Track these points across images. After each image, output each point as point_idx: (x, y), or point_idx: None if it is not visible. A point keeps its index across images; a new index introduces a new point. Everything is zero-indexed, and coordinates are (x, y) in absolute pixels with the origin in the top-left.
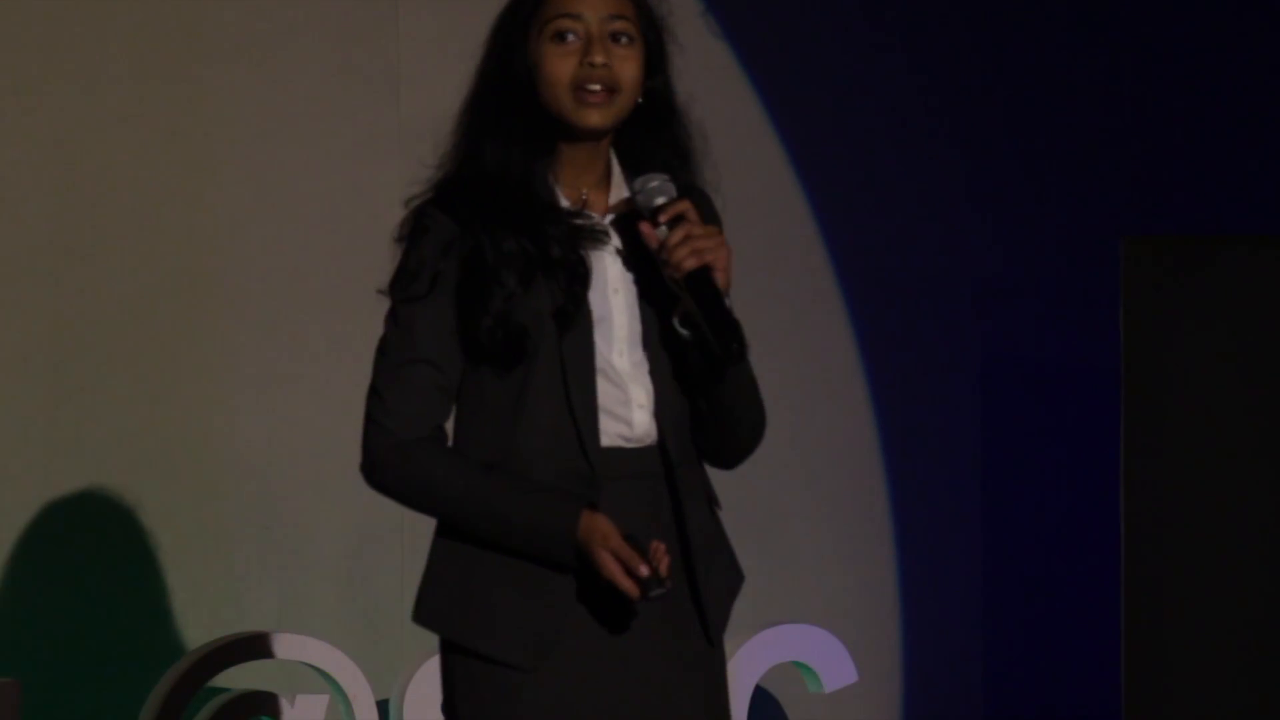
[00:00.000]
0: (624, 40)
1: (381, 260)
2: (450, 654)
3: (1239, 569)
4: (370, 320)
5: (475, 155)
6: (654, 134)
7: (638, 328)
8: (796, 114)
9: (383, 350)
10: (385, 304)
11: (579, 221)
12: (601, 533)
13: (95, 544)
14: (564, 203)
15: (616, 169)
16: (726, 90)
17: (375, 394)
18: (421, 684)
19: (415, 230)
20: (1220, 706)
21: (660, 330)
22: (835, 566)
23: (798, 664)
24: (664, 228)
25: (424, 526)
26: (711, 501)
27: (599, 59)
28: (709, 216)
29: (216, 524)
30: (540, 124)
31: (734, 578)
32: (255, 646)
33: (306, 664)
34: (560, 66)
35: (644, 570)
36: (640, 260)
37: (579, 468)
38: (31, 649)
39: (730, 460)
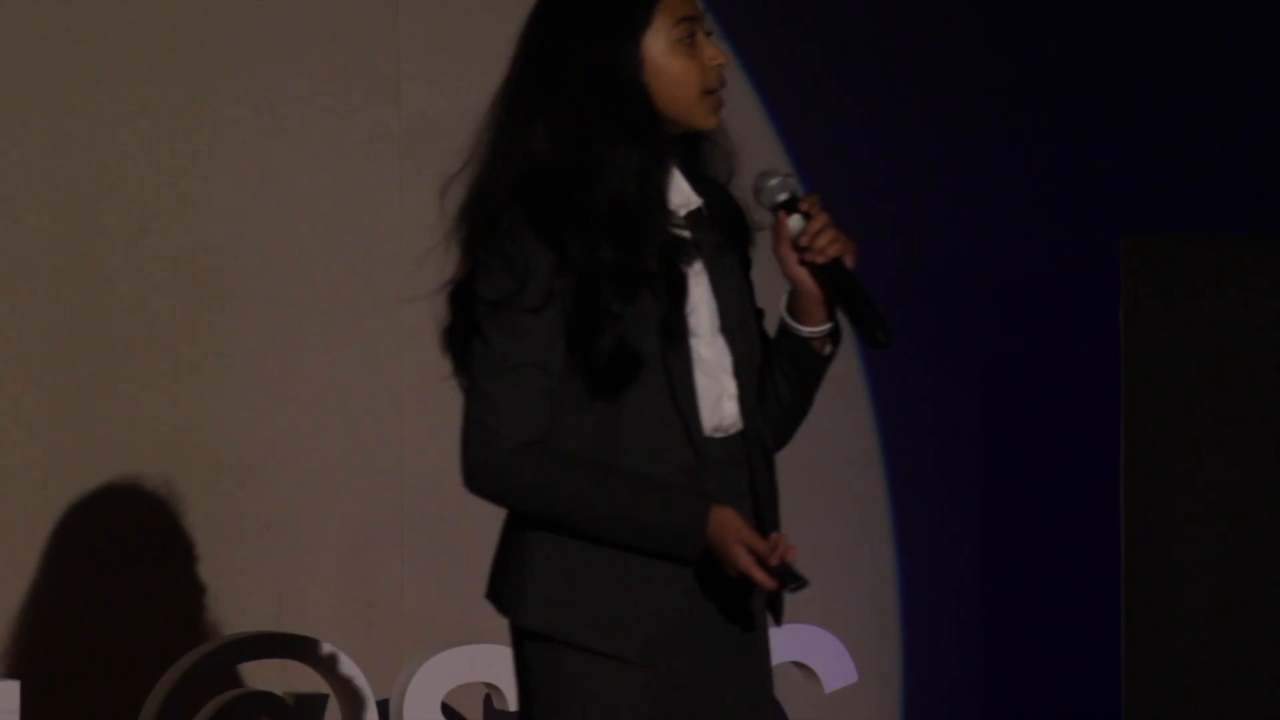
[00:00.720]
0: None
1: (381, 260)
2: (546, 646)
3: (1239, 569)
4: (370, 320)
5: (593, 162)
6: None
7: (716, 320)
8: (796, 114)
9: (487, 357)
10: (384, 301)
11: (674, 228)
12: (734, 527)
13: (95, 544)
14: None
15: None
16: (726, 90)
17: (484, 400)
18: (421, 684)
19: (509, 238)
20: (1220, 707)
21: (734, 318)
22: (835, 566)
23: (798, 664)
24: (798, 217)
25: (423, 528)
26: None
27: (723, 59)
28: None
29: (216, 524)
30: (659, 125)
31: None
32: (255, 646)
33: (306, 664)
34: (691, 70)
35: (776, 559)
36: (712, 251)
37: (687, 461)
38: (31, 649)
39: (782, 445)
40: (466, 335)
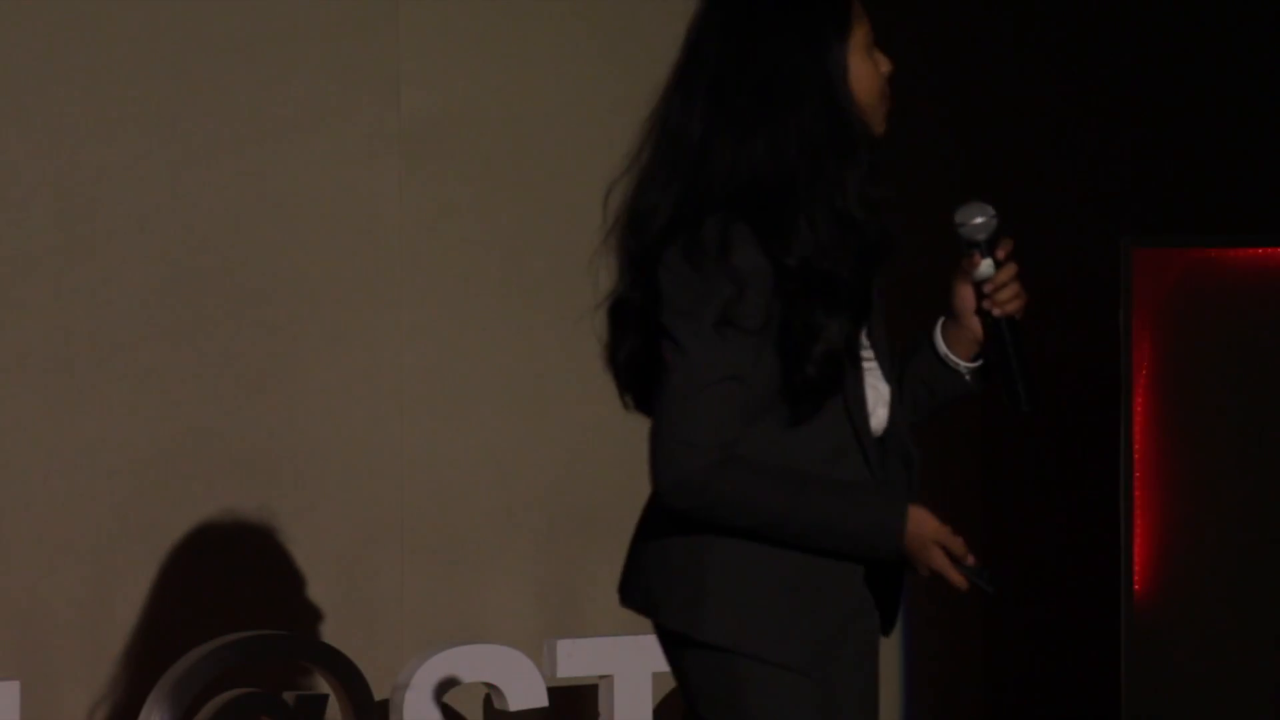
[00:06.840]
0: None
1: (381, 260)
2: (719, 656)
3: (1239, 570)
4: (370, 320)
5: (819, 177)
6: None
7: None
8: None
9: (688, 370)
10: (384, 301)
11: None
12: (931, 527)
13: (94, 544)
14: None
15: None
16: None
17: (686, 413)
18: (422, 684)
19: (720, 250)
20: (1220, 706)
21: (879, 327)
22: None
23: None
24: (990, 262)
25: (423, 528)
26: None
27: (890, 66)
28: None
29: (217, 524)
30: (870, 137)
31: None
32: (256, 646)
33: (306, 664)
34: (875, 77)
35: (971, 560)
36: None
37: (857, 466)
38: (31, 649)
39: None
40: (655, 349)
